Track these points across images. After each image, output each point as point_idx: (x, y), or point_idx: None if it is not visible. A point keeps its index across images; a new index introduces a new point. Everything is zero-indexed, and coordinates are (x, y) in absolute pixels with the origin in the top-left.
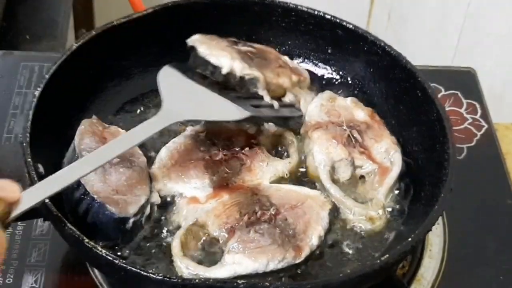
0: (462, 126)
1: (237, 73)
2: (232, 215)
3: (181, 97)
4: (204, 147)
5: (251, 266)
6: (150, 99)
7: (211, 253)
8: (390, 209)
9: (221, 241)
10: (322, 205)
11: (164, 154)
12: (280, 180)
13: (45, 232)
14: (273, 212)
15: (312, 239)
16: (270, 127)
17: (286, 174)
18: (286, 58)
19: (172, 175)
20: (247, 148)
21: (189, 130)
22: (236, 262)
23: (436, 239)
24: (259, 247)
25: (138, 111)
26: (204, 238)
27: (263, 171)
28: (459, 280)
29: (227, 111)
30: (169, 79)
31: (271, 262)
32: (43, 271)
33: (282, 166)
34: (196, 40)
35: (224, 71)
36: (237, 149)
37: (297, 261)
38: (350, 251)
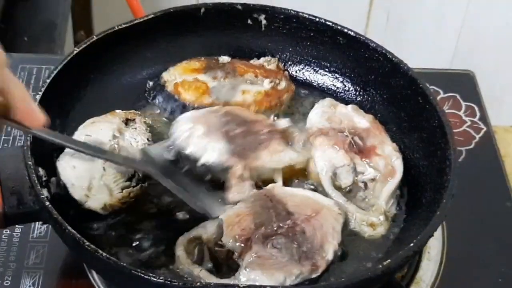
0: (461, 129)
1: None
2: (247, 226)
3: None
4: (223, 121)
5: (267, 283)
6: (150, 106)
7: (218, 262)
8: (391, 215)
9: (235, 253)
10: (336, 217)
11: (183, 117)
12: (291, 171)
13: (43, 235)
14: (290, 224)
15: (328, 254)
16: (283, 123)
17: (297, 165)
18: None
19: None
20: (265, 130)
21: (208, 108)
22: (251, 280)
23: (435, 242)
24: (276, 264)
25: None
26: (209, 246)
27: (279, 156)
28: (458, 282)
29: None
30: (150, 160)
31: (288, 279)
32: (41, 274)
33: (296, 156)
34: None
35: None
36: (255, 130)
37: (314, 276)
38: (351, 257)
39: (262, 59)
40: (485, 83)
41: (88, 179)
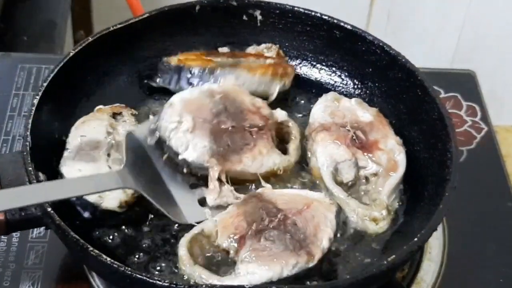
0: (462, 129)
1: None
2: (240, 225)
3: (140, 170)
4: (216, 110)
5: (266, 275)
6: (148, 106)
7: (216, 261)
8: (393, 210)
9: (231, 252)
10: (328, 207)
11: (177, 100)
12: (271, 174)
13: (43, 235)
14: (281, 218)
15: (323, 242)
16: (280, 115)
17: (280, 170)
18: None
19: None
20: (255, 128)
21: (206, 86)
22: (249, 272)
23: (435, 242)
24: (271, 255)
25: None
26: (209, 247)
27: (262, 160)
28: (458, 283)
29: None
30: (135, 145)
31: (285, 268)
32: (40, 274)
33: (279, 161)
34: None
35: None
36: (247, 124)
37: (310, 265)
38: (355, 253)
39: (262, 45)
40: (486, 83)
41: None
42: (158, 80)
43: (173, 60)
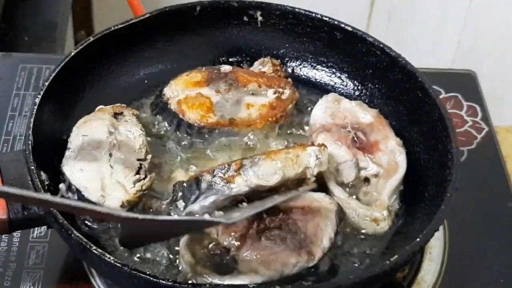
0: (462, 129)
1: None
2: (240, 224)
3: None
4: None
5: (266, 274)
6: (149, 105)
7: (217, 260)
8: (394, 210)
9: (232, 250)
10: (328, 207)
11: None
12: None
13: (43, 235)
14: (282, 218)
15: (324, 241)
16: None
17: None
18: None
19: None
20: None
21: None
22: (251, 271)
23: (436, 242)
24: (272, 254)
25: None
26: (210, 246)
27: None
28: (459, 283)
29: None
30: None
31: (286, 268)
32: (41, 274)
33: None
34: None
35: None
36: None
37: (311, 265)
38: (356, 253)
39: (256, 63)
40: (487, 83)
41: (99, 179)
42: (160, 117)
43: (173, 101)
